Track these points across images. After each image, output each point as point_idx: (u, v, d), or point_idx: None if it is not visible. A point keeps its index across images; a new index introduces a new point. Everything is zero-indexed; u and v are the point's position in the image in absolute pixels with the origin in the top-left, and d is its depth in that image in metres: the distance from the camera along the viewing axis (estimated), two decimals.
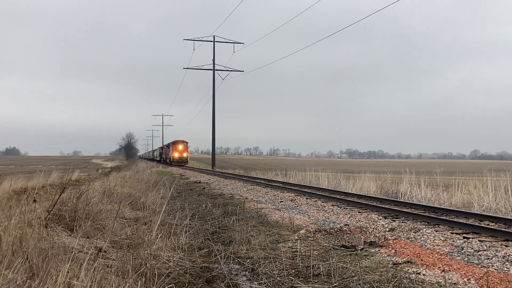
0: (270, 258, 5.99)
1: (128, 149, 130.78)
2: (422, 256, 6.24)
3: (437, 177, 15.63)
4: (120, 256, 5.45)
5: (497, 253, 6.27)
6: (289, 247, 6.91)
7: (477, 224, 8.49)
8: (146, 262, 5.13)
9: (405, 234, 7.85)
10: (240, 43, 46.26)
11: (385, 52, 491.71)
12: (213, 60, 46.27)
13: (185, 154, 61.76)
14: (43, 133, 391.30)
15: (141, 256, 5.44)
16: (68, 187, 8.68)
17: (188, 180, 26.56)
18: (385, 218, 9.76)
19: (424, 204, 11.95)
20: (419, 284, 4.91)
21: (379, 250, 6.69)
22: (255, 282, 5.08)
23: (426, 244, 7.01)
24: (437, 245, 6.91)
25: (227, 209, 11.10)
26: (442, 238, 7.36)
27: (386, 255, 6.33)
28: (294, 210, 11.47)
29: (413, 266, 5.74)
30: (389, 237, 7.51)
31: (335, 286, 4.90)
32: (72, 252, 4.53)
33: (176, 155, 60.86)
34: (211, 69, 46.55)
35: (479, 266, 5.74)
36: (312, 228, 8.42)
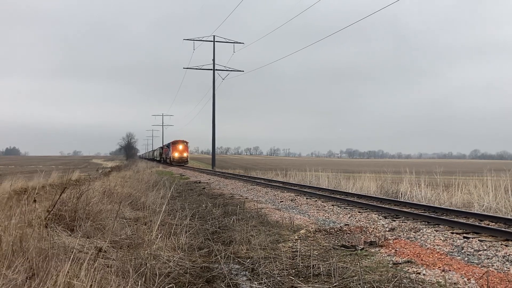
0: (270, 258, 5.99)
1: (128, 149, 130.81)
2: (422, 256, 6.25)
3: (437, 177, 15.63)
4: (120, 256, 5.45)
5: (497, 253, 6.27)
6: (289, 247, 6.91)
7: (477, 224, 8.49)
8: (146, 262, 5.13)
9: (405, 234, 7.85)
10: (240, 43, 46.29)
11: (385, 52, 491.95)
12: (213, 60, 46.30)
13: (185, 154, 61.76)
14: (43, 133, 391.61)
15: (141, 256, 5.44)
16: (68, 187, 8.68)
17: (188, 180, 26.56)
18: (385, 218, 9.76)
19: (424, 204, 11.95)
20: (419, 284, 4.91)
21: (379, 250, 6.69)
22: (255, 282, 5.08)
23: (426, 244, 7.01)
24: (437, 245, 6.91)
25: (227, 209, 11.10)
26: (442, 238, 7.36)
27: (386, 255, 6.33)
28: (294, 210, 11.47)
29: (413, 266, 5.74)
30: (389, 237, 7.51)
31: (335, 286, 4.90)
32: (72, 252, 4.53)
33: (176, 155, 60.85)
34: (211, 69, 46.56)
35: (479, 265, 5.74)
36: (312, 228, 8.42)
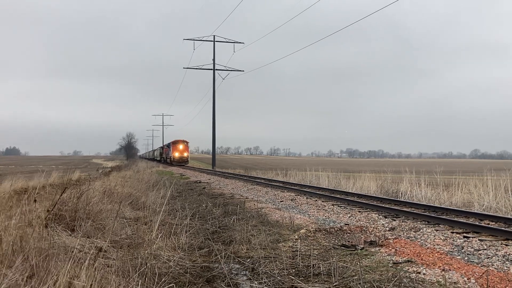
0: (271, 257, 6.00)
1: (128, 149, 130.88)
2: (422, 255, 6.25)
3: (437, 177, 15.63)
4: (120, 255, 5.46)
5: (497, 252, 6.28)
6: (289, 247, 6.91)
7: (477, 223, 8.49)
8: (147, 261, 5.13)
9: (405, 234, 7.85)
10: (240, 42, 46.31)
11: (385, 52, 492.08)
12: (213, 59, 46.31)
13: (185, 154, 61.74)
14: (43, 133, 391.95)
15: (141, 256, 5.44)
16: (69, 187, 8.69)
17: (189, 179, 26.57)
18: (385, 217, 9.76)
19: (424, 203, 11.95)
20: (419, 283, 4.91)
21: (379, 249, 6.69)
22: (255, 282, 5.08)
23: (426, 244, 7.01)
24: (437, 245, 6.92)
25: (227, 208, 11.11)
26: (442, 238, 7.36)
27: (386, 255, 6.33)
28: (294, 210, 11.47)
29: (413, 265, 5.74)
30: (389, 237, 7.51)
31: (335, 285, 4.90)
32: (72, 252, 4.53)
33: (176, 154, 60.85)
34: (211, 69, 46.57)
35: (479, 265, 5.75)
36: (312, 228, 8.42)
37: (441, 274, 5.25)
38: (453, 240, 7.17)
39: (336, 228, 8.29)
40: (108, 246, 5.83)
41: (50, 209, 6.71)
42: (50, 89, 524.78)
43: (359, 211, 10.81)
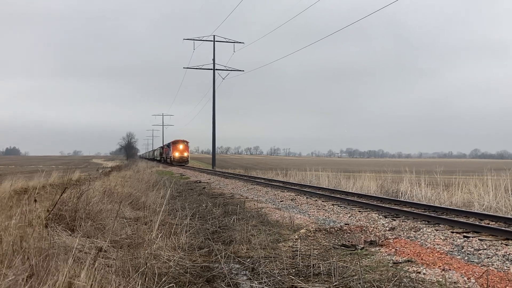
0: (271, 257, 6.00)
1: (128, 149, 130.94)
2: (422, 255, 6.25)
3: (437, 176, 15.64)
4: (120, 255, 5.46)
5: (497, 252, 6.28)
6: (289, 247, 6.91)
7: (477, 223, 8.49)
8: (147, 261, 5.13)
9: (405, 233, 7.85)
10: (240, 42, 46.33)
11: (385, 51, 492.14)
12: (213, 59, 46.32)
13: (185, 154, 61.72)
14: (43, 133, 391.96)
15: (141, 256, 5.45)
16: (69, 187, 8.69)
17: (189, 179, 26.57)
18: (385, 217, 9.76)
19: (424, 203, 11.95)
20: (419, 283, 4.91)
21: (380, 249, 6.69)
22: (256, 281, 5.08)
23: (427, 243, 7.01)
24: (437, 244, 6.92)
25: (227, 208, 11.11)
26: (442, 237, 7.36)
27: (386, 254, 6.33)
28: (294, 210, 11.47)
29: (414, 265, 5.74)
30: (389, 236, 7.51)
31: (335, 285, 4.90)
32: (72, 251, 4.53)
33: (176, 154, 60.84)
34: (211, 69, 46.58)
35: (479, 265, 5.75)
36: (312, 228, 8.42)
37: (441, 274, 5.25)
38: (453, 240, 7.17)
39: (336, 228, 8.29)
40: (108, 246, 5.83)
41: (50, 209, 6.71)
42: (50, 89, 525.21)
43: (359, 211, 10.81)
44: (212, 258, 6.17)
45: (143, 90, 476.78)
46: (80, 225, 6.71)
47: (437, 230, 7.99)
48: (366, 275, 5.15)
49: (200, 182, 23.69)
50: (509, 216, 9.09)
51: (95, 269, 4.09)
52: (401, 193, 14.87)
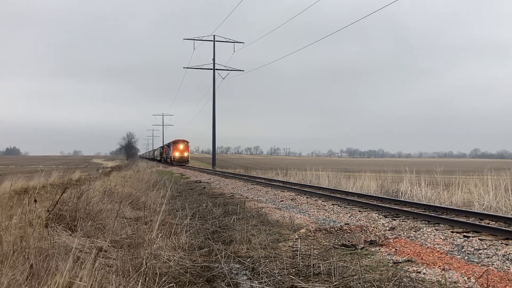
0: (271, 257, 6.00)
1: (128, 149, 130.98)
2: (422, 255, 6.25)
3: (438, 176, 15.64)
4: (120, 255, 5.46)
5: (497, 252, 6.28)
6: (289, 246, 6.91)
7: (477, 223, 8.49)
8: (147, 261, 5.13)
9: (405, 233, 7.85)
10: (240, 42, 46.31)
11: (385, 51, 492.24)
12: (213, 59, 46.31)
13: (186, 154, 61.69)
14: (43, 133, 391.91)
15: (141, 256, 5.45)
16: (69, 187, 8.69)
17: (189, 179, 26.57)
18: (386, 217, 9.76)
19: (424, 203, 11.95)
20: (419, 283, 4.91)
21: (380, 249, 6.69)
22: (256, 281, 5.09)
23: (427, 243, 7.01)
24: (438, 244, 6.92)
25: (227, 208, 11.11)
26: (442, 237, 7.36)
27: (386, 254, 6.33)
28: (294, 209, 11.48)
29: (414, 265, 5.74)
30: (389, 236, 7.51)
31: (335, 285, 4.90)
32: (72, 251, 4.54)
33: (177, 154, 60.81)
34: (211, 69, 46.57)
35: (479, 264, 5.75)
36: (312, 227, 8.42)
37: (441, 273, 5.25)
38: (453, 240, 7.17)
39: (336, 228, 8.29)
40: (108, 246, 5.83)
41: (51, 209, 6.72)
42: (50, 89, 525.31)
43: (359, 211, 10.81)
44: (212, 258, 6.17)
45: (143, 90, 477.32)
46: (80, 225, 6.71)
47: (437, 230, 7.99)
48: (366, 275, 5.16)
49: (200, 182, 23.70)
50: (509, 216, 9.09)
51: (95, 269, 4.09)
52: (401, 193, 14.88)
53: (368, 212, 10.60)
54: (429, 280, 5.06)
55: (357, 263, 5.55)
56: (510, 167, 14.78)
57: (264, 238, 7.11)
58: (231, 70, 46.40)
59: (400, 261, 5.91)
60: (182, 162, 59.59)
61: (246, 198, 14.27)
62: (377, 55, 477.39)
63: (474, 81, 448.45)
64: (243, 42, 46.46)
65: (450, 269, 5.45)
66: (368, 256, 6.27)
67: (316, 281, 5.06)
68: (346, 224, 8.85)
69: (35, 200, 7.02)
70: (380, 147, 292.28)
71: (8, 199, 8.54)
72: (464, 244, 6.83)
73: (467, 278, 5.07)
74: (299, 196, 14.44)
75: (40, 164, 67.26)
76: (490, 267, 5.58)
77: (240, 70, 47.09)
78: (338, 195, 14.22)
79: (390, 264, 5.78)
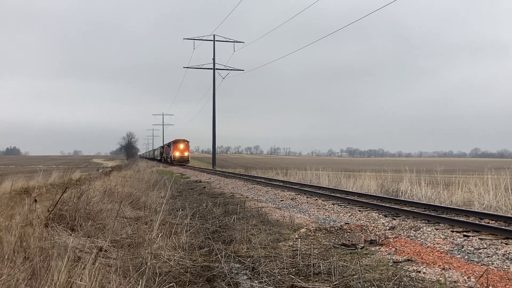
0: (271, 257, 6.00)
1: (128, 149, 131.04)
2: (422, 254, 6.25)
3: (438, 176, 15.65)
4: (121, 255, 5.46)
5: (497, 251, 6.28)
6: (289, 246, 6.92)
7: (477, 222, 8.49)
8: (147, 261, 5.14)
9: (405, 233, 7.86)
10: (240, 42, 46.34)
11: (385, 50, 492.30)
12: (213, 59, 46.32)
13: (186, 153, 61.66)
14: (44, 133, 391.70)
15: (141, 255, 5.46)
16: (69, 187, 8.69)
17: (189, 179, 26.58)
18: (386, 216, 9.77)
19: (424, 202, 11.96)
20: (419, 282, 4.92)
21: (380, 248, 6.69)
22: (256, 281, 5.09)
23: (427, 243, 7.01)
24: (438, 244, 6.92)
25: (227, 208, 11.12)
26: (442, 237, 7.36)
27: (386, 254, 6.33)
28: (294, 209, 11.48)
29: (414, 264, 5.74)
30: (389, 236, 7.52)
31: (335, 284, 4.91)
32: (73, 251, 4.54)
33: (177, 154, 60.79)
34: (211, 68, 46.58)
35: (479, 264, 5.75)
36: (312, 227, 8.43)
37: (441, 273, 5.26)
38: (453, 239, 7.17)
39: (336, 227, 8.29)
40: (108, 245, 5.83)
41: (51, 209, 6.72)
42: (51, 89, 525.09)
43: (359, 210, 10.82)
44: (212, 258, 6.18)
45: (143, 90, 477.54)
46: (80, 225, 6.72)
47: (437, 229, 7.99)
48: (366, 274, 5.16)
49: (200, 181, 23.70)
50: (509, 215, 9.09)
51: (96, 268, 4.10)
52: (401, 192, 14.88)
53: (368, 211, 10.60)
54: (429, 279, 5.06)
55: (357, 263, 5.56)
56: (510, 167, 14.78)
57: (264, 238, 7.11)
58: (231, 69, 46.44)
59: (400, 260, 5.92)
60: (183, 162, 59.57)
61: (246, 197, 14.28)
62: (377, 55, 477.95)
63: (474, 80, 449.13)
64: (243, 42, 46.53)
65: (450, 269, 5.46)
66: (368, 255, 6.27)
67: (316, 281, 5.07)
68: (346, 223, 8.86)
69: (35, 200, 7.03)
70: (380, 146, 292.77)
71: (9, 199, 8.54)
72: (464, 243, 6.84)
73: (467, 278, 5.08)
74: (299, 196, 14.45)
75: (40, 164, 67.24)
76: (490, 267, 5.58)
77: (240, 70, 47.15)
78: (338, 195, 14.22)
79: (390, 264, 5.78)
